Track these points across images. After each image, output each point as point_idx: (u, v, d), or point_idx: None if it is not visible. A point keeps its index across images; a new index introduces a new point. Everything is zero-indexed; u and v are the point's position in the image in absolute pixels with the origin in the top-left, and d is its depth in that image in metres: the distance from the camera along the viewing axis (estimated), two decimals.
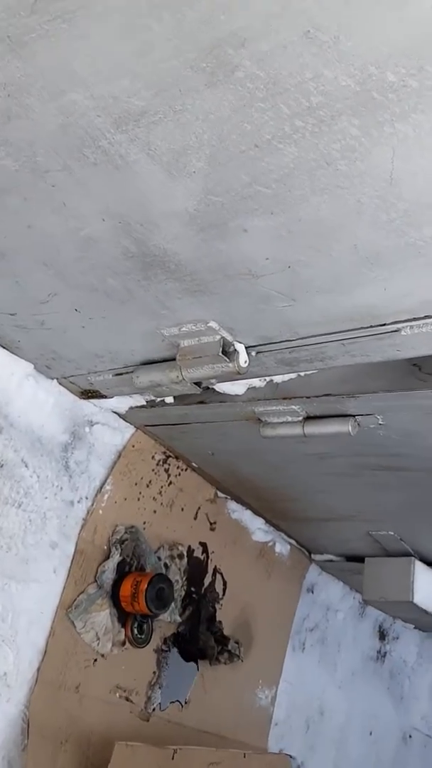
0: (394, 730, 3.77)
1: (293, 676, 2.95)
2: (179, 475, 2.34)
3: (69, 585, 1.96)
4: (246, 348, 1.53)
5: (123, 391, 1.85)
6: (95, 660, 2.01)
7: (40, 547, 1.90)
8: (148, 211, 1.17)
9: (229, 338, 1.51)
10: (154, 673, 2.24)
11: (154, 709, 2.21)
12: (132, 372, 1.69)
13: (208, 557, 2.49)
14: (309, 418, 1.79)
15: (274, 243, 1.19)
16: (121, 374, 1.76)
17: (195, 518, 2.43)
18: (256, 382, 1.78)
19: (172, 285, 1.36)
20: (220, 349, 1.48)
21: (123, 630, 2.10)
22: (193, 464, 2.34)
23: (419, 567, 2.59)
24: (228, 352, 1.51)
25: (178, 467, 2.33)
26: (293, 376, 1.74)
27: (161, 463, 2.26)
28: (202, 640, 2.36)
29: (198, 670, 2.42)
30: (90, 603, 2.00)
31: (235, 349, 1.52)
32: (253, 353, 1.55)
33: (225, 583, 2.56)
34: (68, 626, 1.94)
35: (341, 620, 3.29)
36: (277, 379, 1.76)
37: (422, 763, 3.94)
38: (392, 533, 2.48)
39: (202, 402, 1.87)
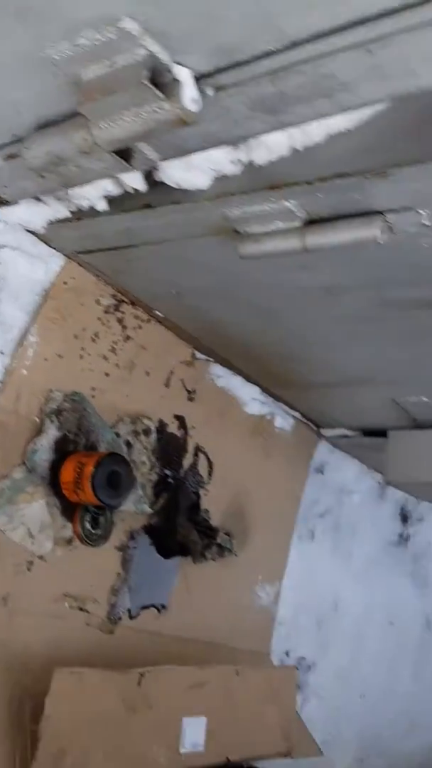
0: (417, 617, 3.41)
1: (301, 569, 2.50)
2: (139, 327, 1.76)
3: None
4: (197, 79, 0.89)
5: (27, 189, 1.23)
6: (30, 563, 1.53)
7: None
8: None
9: (164, 57, 0.86)
10: (119, 574, 1.77)
11: (119, 618, 1.76)
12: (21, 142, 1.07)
13: (186, 433, 1.96)
14: (312, 223, 1.17)
15: None
16: (13, 156, 1.13)
17: (167, 385, 1.88)
18: (227, 167, 1.14)
19: None
20: (146, 74, 0.85)
21: (70, 525, 1.61)
22: (157, 313, 1.75)
23: None
24: (162, 83, 0.87)
25: (136, 317, 1.74)
26: (284, 150, 1.09)
27: (111, 310, 1.68)
28: (181, 533, 1.87)
29: (179, 568, 1.95)
30: (16, 491, 1.49)
31: (175, 78, 0.88)
32: (209, 91, 0.91)
33: (211, 465, 2.05)
34: None
35: (357, 503, 2.82)
36: (259, 157, 1.12)
37: None
38: (426, 399, 1.91)
39: (148, 206, 1.25)
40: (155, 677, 1.58)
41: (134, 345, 1.75)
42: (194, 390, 1.96)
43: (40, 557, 1.55)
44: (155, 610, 1.88)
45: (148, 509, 1.78)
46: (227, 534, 2.05)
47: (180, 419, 1.94)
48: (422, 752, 3.31)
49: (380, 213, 1.09)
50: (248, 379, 2.09)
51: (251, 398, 2.14)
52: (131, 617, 1.80)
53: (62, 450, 1.58)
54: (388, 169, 0.99)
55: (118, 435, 1.73)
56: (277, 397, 2.22)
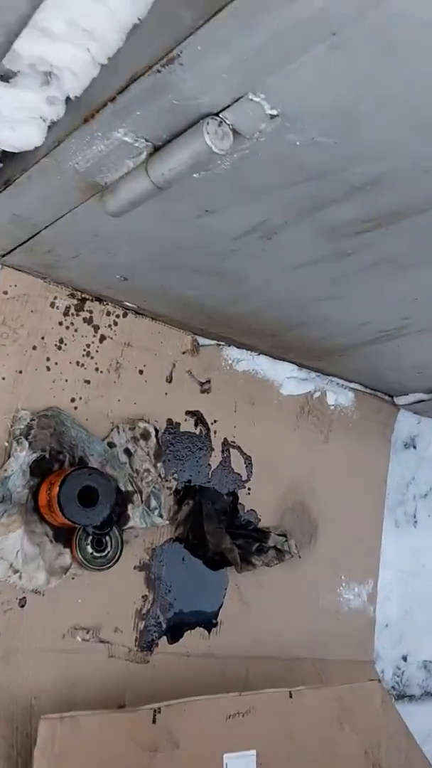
0: None
1: (404, 561, 2.16)
2: (114, 324, 1.59)
3: None
4: None
5: None
6: (23, 599, 1.42)
7: None
8: None
9: None
10: (145, 596, 1.60)
11: (155, 645, 1.60)
12: None
13: (208, 430, 1.75)
14: (156, 151, 0.93)
15: None
16: None
17: (169, 381, 1.69)
18: (47, 110, 0.94)
19: None
20: None
21: (67, 551, 1.48)
22: (127, 304, 1.57)
23: None
24: None
25: (107, 313, 1.58)
26: (91, 69, 0.87)
27: (73, 311, 1.53)
28: (212, 542, 1.66)
29: (228, 580, 1.74)
30: None
31: None
32: None
33: (249, 459, 1.81)
34: None
35: None
36: (72, 88, 0.91)
37: None
38: None
39: (8, 182, 1.09)
40: (177, 711, 1.38)
41: (114, 344, 1.59)
42: (208, 380, 1.75)
43: (34, 591, 1.43)
44: (203, 631, 1.69)
45: (160, 521, 1.59)
46: (282, 535, 1.80)
47: (196, 415, 1.73)
48: None
49: (215, 115, 0.83)
50: (275, 356, 1.83)
51: (286, 377, 1.87)
52: (170, 642, 1.63)
53: (43, 472, 1.46)
54: (175, 48, 0.74)
55: (112, 445, 1.57)
56: (321, 371, 1.92)
